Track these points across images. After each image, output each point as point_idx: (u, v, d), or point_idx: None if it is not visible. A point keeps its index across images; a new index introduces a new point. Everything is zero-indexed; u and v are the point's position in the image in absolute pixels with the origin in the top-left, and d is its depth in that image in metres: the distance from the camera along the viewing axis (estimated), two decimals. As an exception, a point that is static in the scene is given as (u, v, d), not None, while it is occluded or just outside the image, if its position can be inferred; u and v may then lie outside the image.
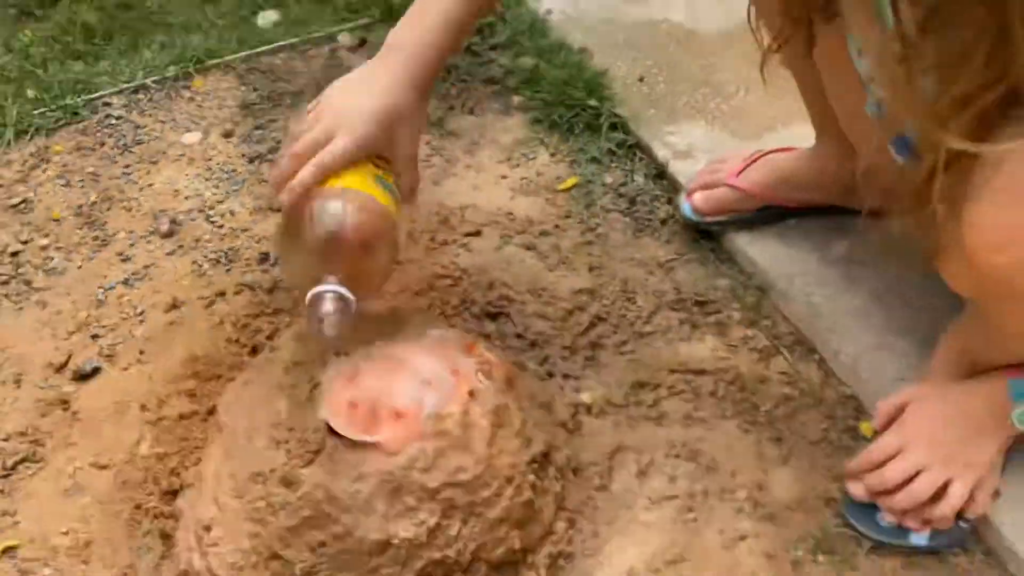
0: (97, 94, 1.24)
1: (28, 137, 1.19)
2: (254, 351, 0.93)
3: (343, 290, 0.69)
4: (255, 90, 1.25)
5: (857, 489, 0.76)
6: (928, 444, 0.71)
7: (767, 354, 0.92)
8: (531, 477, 0.75)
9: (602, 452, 0.85)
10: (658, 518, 0.80)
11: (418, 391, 0.73)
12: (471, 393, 0.74)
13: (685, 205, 1.01)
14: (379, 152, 0.74)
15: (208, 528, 0.72)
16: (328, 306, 0.68)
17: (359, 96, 0.73)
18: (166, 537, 0.79)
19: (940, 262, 0.63)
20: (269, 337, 0.93)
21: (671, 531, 0.79)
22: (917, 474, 0.72)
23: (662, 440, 0.86)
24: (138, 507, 0.81)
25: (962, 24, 0.48)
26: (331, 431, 0.70)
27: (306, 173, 0.71)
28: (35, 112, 1.21)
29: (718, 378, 0.90)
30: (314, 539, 0.68)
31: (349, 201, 0.71)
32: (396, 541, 0.67)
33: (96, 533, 0.79)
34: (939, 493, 0.71)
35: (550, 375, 0.92)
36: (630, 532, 0.79)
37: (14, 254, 1.04)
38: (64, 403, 0.90)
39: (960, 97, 0.50)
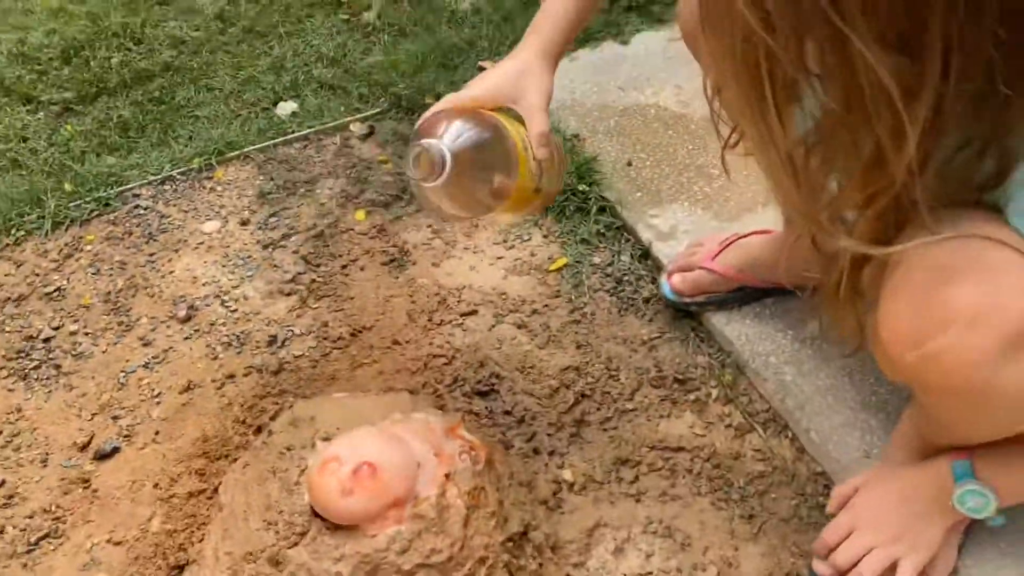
0: (128, 186, 1.34)
1: (64, 228, 1.29)
2: (258, 431, 0.99)
3: (438, 143, 0.71)
4: (271, 179, 1.34)
5: (821, 569, 0.79)
6: (876, 525, 0.75)
7: (742, 431, 0.96)
8: (506, 557, 0.79)
9: (581, 529, 0.89)
10: (632, 594, 0.84)
11: (412, 474, 0.79)
12: (448, 476, 0.79)
13: (665, 286, 1.06)
14: (505, 99, 0.79)
15: (205, 605, 0.78)
16: (421, 151, 0.70)
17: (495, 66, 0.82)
18: (171, 611, 0.85)
19: (873, 348, 0.67)
20: (272, 417, 1.00)
21: (643, 607, 0.83)
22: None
23: (640, 517, 0.90)
24: (147, 581, 0.88)
25: (839, 143, 0.53)
26: (315, 514, 0.76)
27: (439, 103, 0.78)
28: (71, 204, 1.31)
29: (695, 455, 0.94)
30: (298, 616, 0.73)
31: (477, 113, 0.76)
32: (372, 619, 0.72)
33: (108, 607, 0.86)
34: (888, 573, 0.74)
35: (536, 452, 0.97)
36: (605, 608, 0.83)
37: (46, 340, 1.13)
38: (85, 481, 0.97)
39: (853, 203, 0.55)
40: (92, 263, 1.24)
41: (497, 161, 0.76)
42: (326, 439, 0.82)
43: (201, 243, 1.26)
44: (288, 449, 0.83)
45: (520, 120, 0.79)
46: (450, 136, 0.73)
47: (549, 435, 0.98)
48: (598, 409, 1.00)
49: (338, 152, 1.39)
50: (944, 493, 0.72)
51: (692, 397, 1.00)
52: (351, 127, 1.43)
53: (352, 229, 1.26)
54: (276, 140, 1.40)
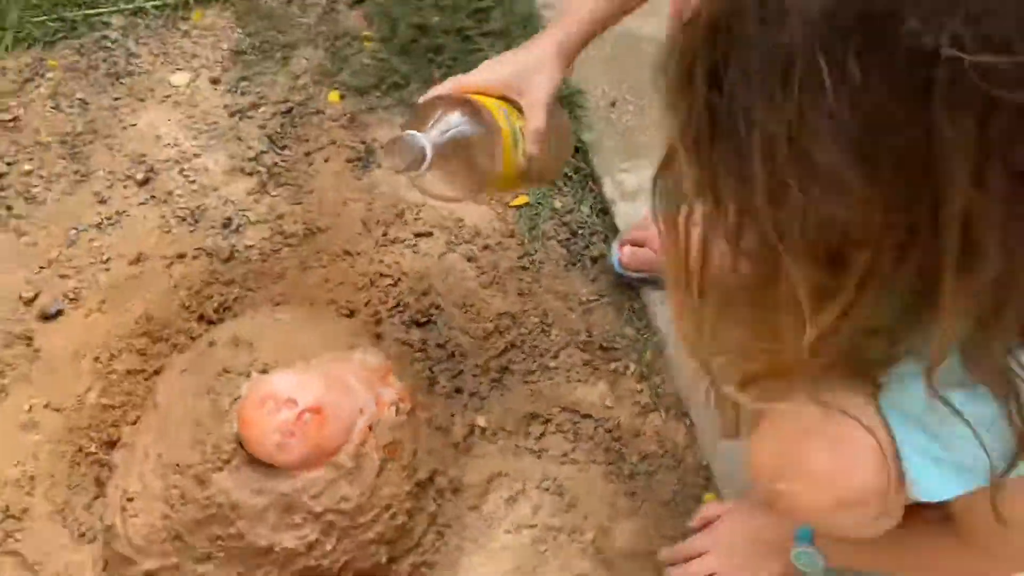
0: (96, 10, 1.28)
1: (26, 46, 1.24)
2: (201, 319, 1.04)
3: (421, 137, 0.75)
4: (249, 36, 1.29)
5: (675, 573, 0.90)
6: (726, 553, 0.86)
7: (647, 410, 1.04)
8: (408, 504, 0.88)
9: (483, 475, 0.98)
10: (514, 543, 0.95)
11: (351, 425, 0.85)
12: (370, 427, 0.86)
13: (615, 255, 1.09)
14: (511, 90, 0.82)
15: (131, 499, 0.85)
16: (396, 145, 0.76)
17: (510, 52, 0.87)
18: (100, 484, 0.93)
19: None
20: (216, 309, 1.04)
21: (521, 558, 0.94)
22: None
23: (537, 473, 0.99)
24: (79, 450, 0.95)
25: (740, 311, 0.56)
26: (241, 445, 0.83)
27: (444, 83, 0.83)
28: (35, 20, 1.25)
29: (599, 424, 1.02)
30: (213, 533, 0.82)
31: (469, 103, 0.81)
32: (278, 549, 0.81)
33: (41, 470, 0.94)
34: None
35: (458, 391, 1.04)
36: (488, 551, 0.94)
37: (0, 175, 1.13)
38: (28, 339, 1.01)
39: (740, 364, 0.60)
40: (53, 95, 1.21)
41: (481, 157, 0.80)
42: (264, 371, 0.87)
43: (168, 96, 1.23)
44: (226, 371, 0.88)
45: (518, 107, 0.82)
46: (438, 129, 0.77)
47: (474, 375, 1.05)
48: (524, 360, 1.06)
49: (323, 16, 1.33)
50: (783, 545, 0.82)
51: (612, 367, 1.07)
52: (341, -10, 1.36)
53: (323, 112, 1.24)
54: (261, -13, 1.33)
